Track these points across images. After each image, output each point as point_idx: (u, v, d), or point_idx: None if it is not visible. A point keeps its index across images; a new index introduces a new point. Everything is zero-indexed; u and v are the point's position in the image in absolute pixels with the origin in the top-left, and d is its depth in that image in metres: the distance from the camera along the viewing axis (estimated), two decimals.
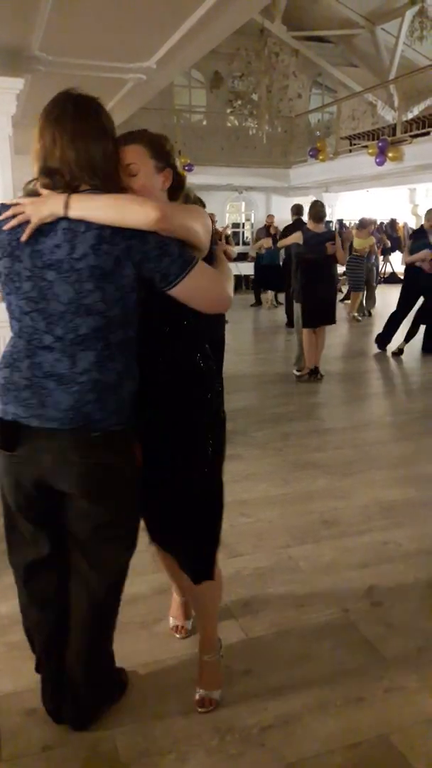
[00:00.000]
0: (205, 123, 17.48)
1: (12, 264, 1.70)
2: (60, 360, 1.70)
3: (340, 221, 17.97)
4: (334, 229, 15.50)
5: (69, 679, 2.01)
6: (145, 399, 1.85)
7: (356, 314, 11.35)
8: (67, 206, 1.60)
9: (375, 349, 8.62)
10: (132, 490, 1.89)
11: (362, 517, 3.59)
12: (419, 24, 12.80)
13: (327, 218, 17.10)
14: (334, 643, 2.49)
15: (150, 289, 1.72)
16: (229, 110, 17.09)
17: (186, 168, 14.14)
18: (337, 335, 8.91)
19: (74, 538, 1.90)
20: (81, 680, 2.00)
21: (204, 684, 2.17)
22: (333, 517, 3.59)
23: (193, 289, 1.71)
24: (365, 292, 11.71)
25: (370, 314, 11.86)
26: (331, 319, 6.85)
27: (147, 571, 2.99)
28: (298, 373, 6.99)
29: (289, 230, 9.46)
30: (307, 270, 6.67)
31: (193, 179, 14.09)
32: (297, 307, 6.99)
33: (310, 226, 6.79)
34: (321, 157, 14.34)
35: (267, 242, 12.57)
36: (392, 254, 17.36)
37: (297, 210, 9.89)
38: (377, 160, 11.80)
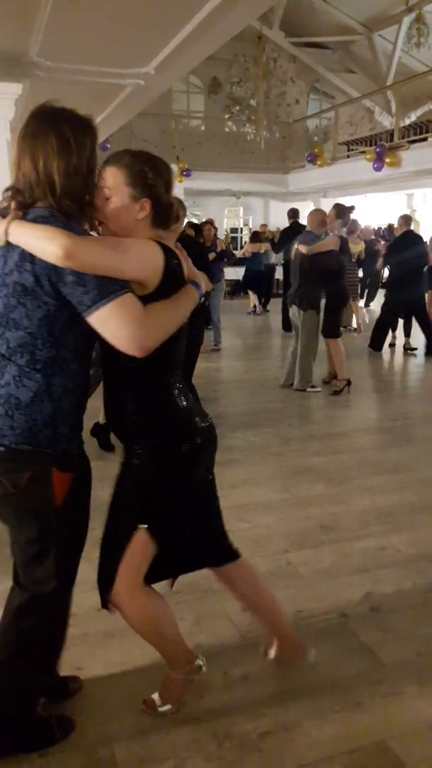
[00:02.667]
0: (203, 128, 17.54)
1: None
2: None
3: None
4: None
5: None
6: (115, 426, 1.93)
7: (359, 323, 11.26)
8: (6, 233, 1.65)
9: (373, 353, 8.63)
10: (36, 521, 1.82)
11: (361, 522, 3.59)
12: (416, 30, 12.82)
13: None
14: (333, 648, 2.49)
15: None
16: (227, 116, 17.14)
17: (184, 173, 14.18)
18: None
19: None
20: None
21: (162, 694, 2.15)
22: (331, 522, 3.59)
23: (104, 324, 1.66)
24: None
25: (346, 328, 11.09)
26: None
27: None
28: (337, 388, 6.51)
29: (288, 234, 9.47)
30: (340, 277, 6.52)
31: (191, 184, 14.17)
32: (312, 318, 6.49)
33: (341, 232, 6.58)
34: (319, 163, 14.39)
35: (249, 247, 12.85)
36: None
37: (293, 214, 9.93)
38: (375, 165, 11.83)
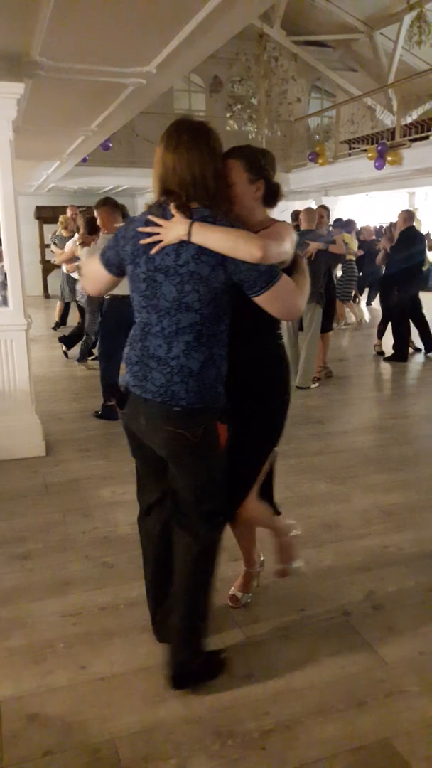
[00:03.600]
0: None
1: (134, 269, 2.10)
2: (161, 346, 2.09)
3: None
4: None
5: (170, 628, 2.30)
6: (234, 380, 2.20)
7: (362, 318, 11.13)
8: (189, 233, 1.94)
9: (373, 352, 8.63)
10: (208, 463, 2.17)
11: (363, 520, 3.59)
12: (418, 29, 12.80)
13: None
14: (335, 646, 2.49)
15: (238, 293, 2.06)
16: (228, 114, 17.10)
17: None
18: (334, 340, 8.90)
19: (173, 495, 2.27)
20: (176, 632, 2.28)
21: (283, 559, 2.66)
22: (334, 520, 3.59)
23: (270, 300, 2.04)
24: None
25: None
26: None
27: None
28: (315, 385, 6.73)
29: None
30: (330, 274, 6.71)
31: None
32: (320, 314, 6.59)
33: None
34: (320, 161, 14.37)
35: None
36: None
37: (296, 216, 9.92)
38: (376, 163, 11.82)
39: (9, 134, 4.26)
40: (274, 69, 15.69)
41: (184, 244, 1.98)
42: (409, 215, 8.33)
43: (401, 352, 8.25)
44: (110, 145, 12.91)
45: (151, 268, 2.05)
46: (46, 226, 16.56)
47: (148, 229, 2.03)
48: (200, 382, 2.08)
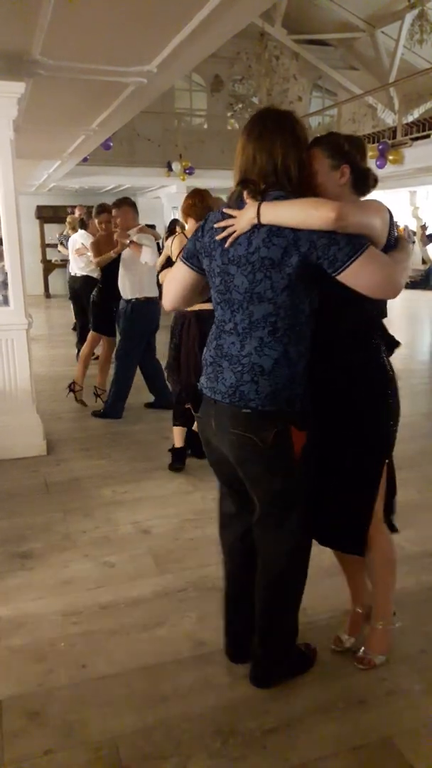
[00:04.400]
0: (205, 126, 17.52)
1: (210, 262, 2.04)
2: (234, 343, 1.99)
3: None
4: None
5: (254, 634, 2.24)
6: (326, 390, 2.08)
7: None
8: (258, 215, 1.86)
9: None
10: (280, 471, 2.03)
11: None
12: (419, 27, 12.82)
13: None
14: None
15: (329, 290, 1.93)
16: (229, 113, 17.11)
17: (187, 171, 14.17)
18: None
19: (253, 501, 2.14)
20: (259, 640, 2.22)
21: (370, 647, 2.36)
22: None
23: (359, 274, 1.85)
24: None
25: None
26: None
27: (149, 574, 3.00)
28: None
29: None
30: None
31: (193, 182, 14.14)
32: None
33: None
34: None
35: None
36: None
37: None
38: (378, 162, 11.82)
39: (10, 133, 4.26)
40: (275, 68, 15.69)
41: (255, 230, 1.89)
42: None
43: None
44: (111, 144, 12.91)
45: (225, 261, 1.98)
46: (46, 226, 16.58)
47: (223, 223, 1.97)
48: (273, 382, 1.94)
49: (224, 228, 1.96)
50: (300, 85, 17.05)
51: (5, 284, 4.52)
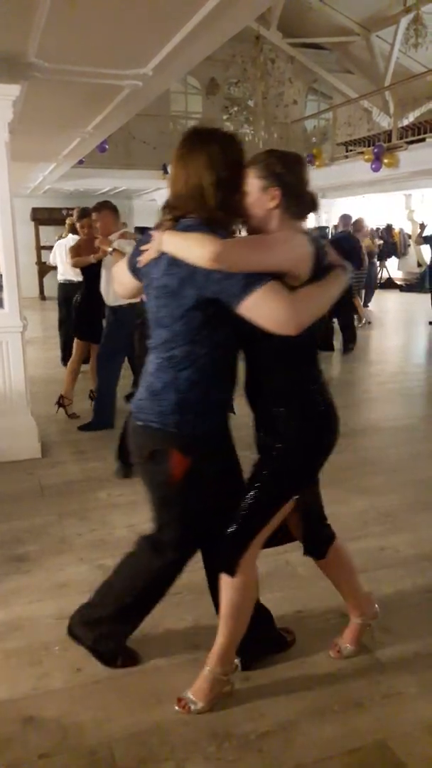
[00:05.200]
0: None
1: (141, 279, 2.09)
2: (150, 361, 2.08)
3: (336, 227, 17.99)
4: (329, 234, 15.53)
5: None
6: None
7: (364, 318, 11.13)
8: (160, 243, 1.90)
9: (370, 353, 8.64)
10: (158, 490, 2.12)
11: (360, 522, 3.59)
12: (414, 31, 12.81)
13: (323, 224, 17.08)
14: None
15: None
16: (225, 116, 17.11)
17: None
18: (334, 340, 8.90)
19: None
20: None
21: (193, 688, 2.17)
22: (330, 522, 3.58)
23: (255, 310, 1.84)
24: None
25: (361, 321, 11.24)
26: None
27: None
28: None
29: None
30: None
31: None
32: None
33: None
34: (317, 163, 14.38)
35: None
36: (389, 260, 17.42)
37: None
38: (373, 166, 11.84)
39: (5, 136, 4.26)
40: (271, 71, 15.71)
41: (162, 257, 1.91)
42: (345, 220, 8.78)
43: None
44: (107, 147, 12.91)
45: (146, 283, 2.05)
46: (42, 228, 16.54)
47: (144, 247, 2.00)
48: (160, 404, 2.00)
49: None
50: (295, 88, 17.09)
51: (0, 286, 4.51)
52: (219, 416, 2.11)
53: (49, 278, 16.77)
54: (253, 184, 1.94)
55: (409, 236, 17.58)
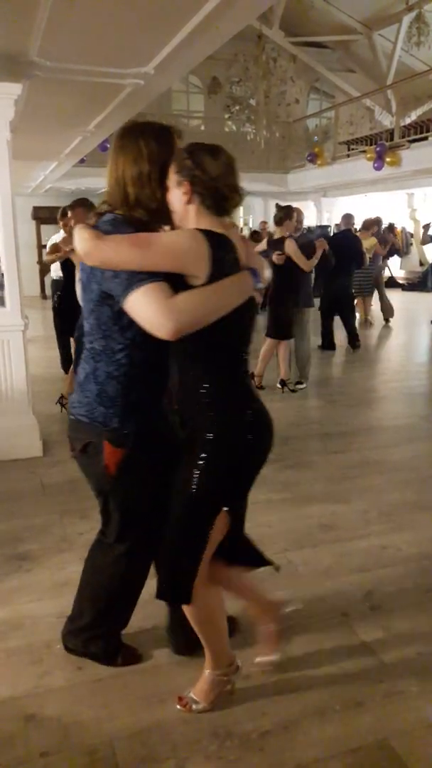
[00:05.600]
0: (203, 128, 17.54)
1: None
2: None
3: (338, 225, 17.98)
4: (330, 232, 15.52)
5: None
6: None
7: (368, 317, 11.02)
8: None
9: (372, 352, 8.62)
10: (97, 483, 2.13)
11: (361, 521, 3.59)
12: (417, 30, 12.78)
13: (325, 223, 17.06)
14: (333, 647, 2.49)
15: None
16: (226, 115, 17.11)
17: None
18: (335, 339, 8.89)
19: None
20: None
21: (194, 688, 2.18)
22: (332, 521, 3.59)
23: (133, 310, 1.81)
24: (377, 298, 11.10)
25: (387, 322, 11.17)
26: (274, 334, 6.49)
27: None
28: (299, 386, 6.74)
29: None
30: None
31: None
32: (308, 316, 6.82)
33: (274, 232, 6.47)
34: (319, 162, 14.38)
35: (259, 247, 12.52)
36: (390, 258, 17.37)
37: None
38: (375, 164, 11.83)
39: (6, 134, 4.26)
40: (273, 70, 15.68)
41: None
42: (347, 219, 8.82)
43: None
44: (108, 146, 12.86)
45: None
46: (43, 227, 16.53)
47: None
48: (84, 396, 2.04)
49: None
50: (297, 87, 17.07)
51: (1, 285, 4.51)
52: (147, 416, 2.04)
53: (50, 277, 16.80)
54: (171, 179, 1.89)
55: (411, 235, 17.55)
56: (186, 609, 2.07)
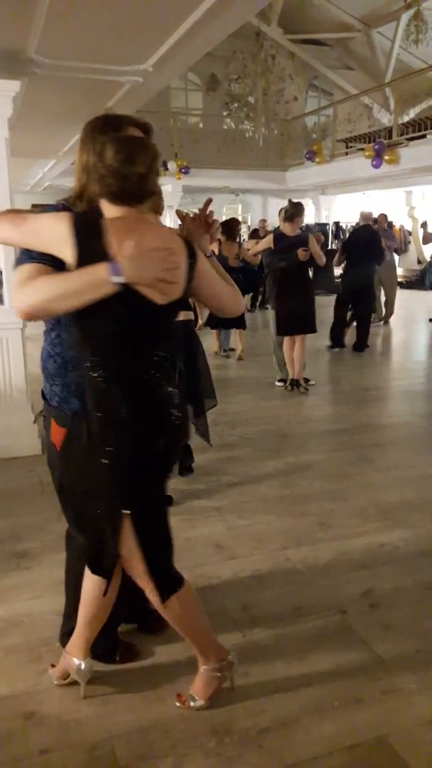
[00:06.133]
0: (201, 125, 17.52)
1: None
2: None
3: (337, 223, 18.00)
4: (331, 230, 15.52)
5: None
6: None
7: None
8: None
9: (371, 350, 8.63)
10: (49, 455, 2.23)
11: (359, 519, 3.59)
12: (415, 27, 12.77)
13: (323, 221, 17.06)
14: (332, 644, 2.49)
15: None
16: (225, 113, 17.11)
17: (182, 170, 14.15)
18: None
19: None
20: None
21: (192, 686, 2.18)
22: (330, 519, 3.59)
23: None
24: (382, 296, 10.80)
25: (386, 322, 10.83)
26: (307, 328, 6.40)
27: None
28: (278, 384, 6.70)
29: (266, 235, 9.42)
30: (279, 277, 6.31)
31: (189, 182, 14.14)
32: (270, 314, 6.67)
33: (283, 228, 6.37)
34: (317, 160, 14.38)
35: (259, 246, 12.43)
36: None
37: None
38: (373, 162, 11.83)
39: (5, 132, 4.26)
40: (271, 67, 15.69)
41: None
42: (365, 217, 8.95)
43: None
44: None
45: None
46: None
47: None
48: (45, 378, 2.13)
49: None
50: (296, 84, 17.07)
51: (0, 283, 4.50)
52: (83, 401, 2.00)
53: None
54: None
55: (410, 233, 17.55)
56: (161, 610, 2.08)
